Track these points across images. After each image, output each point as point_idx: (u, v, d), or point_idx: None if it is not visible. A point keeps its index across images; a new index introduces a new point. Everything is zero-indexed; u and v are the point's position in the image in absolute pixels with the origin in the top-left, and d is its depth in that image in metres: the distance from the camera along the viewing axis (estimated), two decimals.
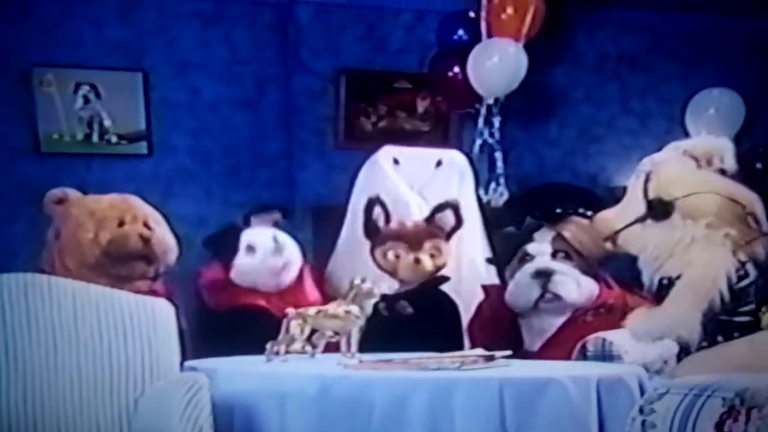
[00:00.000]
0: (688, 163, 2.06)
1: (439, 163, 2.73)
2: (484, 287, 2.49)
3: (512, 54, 3.11)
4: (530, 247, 2.37)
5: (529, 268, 2.35)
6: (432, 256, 2.45)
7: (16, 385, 1.96)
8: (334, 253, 2.67)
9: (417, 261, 2.44)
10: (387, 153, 2.73)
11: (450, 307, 2.45)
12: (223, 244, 2.46)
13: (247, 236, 2.47)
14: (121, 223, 2.43)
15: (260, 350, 2.01)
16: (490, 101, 3.17)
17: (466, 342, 2.40)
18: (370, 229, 2.50)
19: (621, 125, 3.50)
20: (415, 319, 2.38)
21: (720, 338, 1.93)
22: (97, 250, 2.38)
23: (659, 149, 2.18)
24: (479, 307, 2.46)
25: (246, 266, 2.43)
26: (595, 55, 3.50)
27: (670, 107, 3.46)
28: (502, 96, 3.16)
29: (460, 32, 3.21)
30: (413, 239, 2.46)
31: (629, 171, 3.47)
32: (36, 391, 1.96)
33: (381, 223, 2.50)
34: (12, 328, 1.98)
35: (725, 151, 2.07)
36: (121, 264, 2.39)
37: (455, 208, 2.49)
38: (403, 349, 2.02)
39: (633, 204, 2.06)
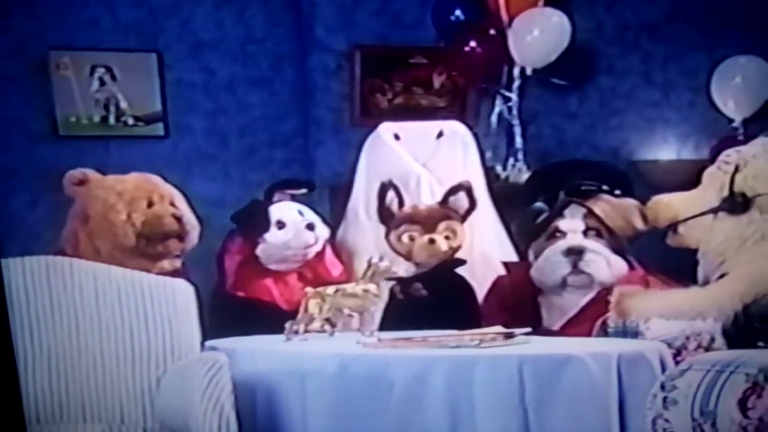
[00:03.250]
0: None
1: (440, 135, 2.71)
2: (505, 264, 2.48)
3: (555, 23, 3.04)
4: (562, 224, 2.33)
5: (561, 245, 2.31)
6: (447, 237, 2.44)
7: (41, 367, 1.99)
8: (339, 232, 2.66)
9: (431, 242, 2.43)
10: (387, 129, 2.71)
11: (465, 289, 2.44)
12: (253, 220, 2.47)
13: (276, 212, 2.48)
14: (150, 204, 2.45)
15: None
16: (528, 71, 3.08)
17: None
18: (384, 214, 2.50)
19: (643, 97, 3.43)
20: (430, 302, 2.37)
21: (761, 342, 1.88)
22: (131, 232, 2.41)
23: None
24: (495, 284, 2.45)
25: (278, 241, 2.44)
26: (614, 25, 3.42)
27: (694, 78, 3.37)
28: (540, 66, 3.08)
29: (457, 12, 3.14)
30: (427, 221, 2.45)
31: (651, 144, 3.44)
32: (60, 372, 1.99)
33: (394, 207, 2.49)
34: (35, 310, 2.01)
35: None
36: (156, 243, 2.42)
37: (468, 190, 2.47)
38: (421, 330, 2.02)
39: (707, 193, 2.00)
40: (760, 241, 1.93)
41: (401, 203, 2.50)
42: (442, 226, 2.45)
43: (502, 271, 2.47)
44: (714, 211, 1.97)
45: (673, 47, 3.42)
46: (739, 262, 1.93)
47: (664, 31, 3.42)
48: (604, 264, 2.30)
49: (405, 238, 2.47)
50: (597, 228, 2.33)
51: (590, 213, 2.33)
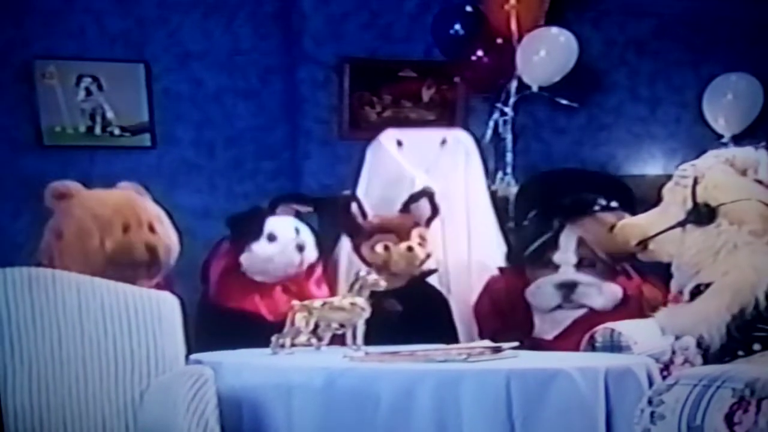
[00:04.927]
0: (729, 171, 2.02)
1: (443, 142, 2.71)
2: (501, 270, 2.48)
3: (563, 43, 3.06)
4: (555, 257, 2.37)
5: (554, 278, 2.36)
6: (420, 244, 2.44)
7: (22, 379, 1.96)
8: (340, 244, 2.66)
9: (410, 249, 2.41)
10: (390, 136, 2.72)
11: (440, 301, 2.43)
12: (247, 227, 2.43)
13: (270, 225, 2.46)
14: (126, 228, 2.40)
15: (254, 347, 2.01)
16: (534, 88, 3.10)
17: (460, 333, 2.40)
18: (350, 227, 2.47)
19: (630, 113, 3.46)
20: (406, 315, 2.36)
21: (740, 351, 1.90)
22: (101, 258, 2.37)
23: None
24: (488, 285, 2.45)
25: (263, 254, 2.42)
26: (601, 41, 3.45)
27: (681, 94, 3.41)
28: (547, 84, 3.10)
29: (457, 27, 3.15)
30: (401, 229, 2.44)
31: (638, 159, 3.47)
32: (41, 385, 1.96)
33: (359, 218, 2.47)
34: (17, 322, 1.99)
35: (760, 164, 2.03)
36: (125, 269, 2.37)
37: (431, 196, 2.48)
38: (396, 344, 2.01)
39: (671, 208, 2.02)
40: (733, 251, 1.94)
41: (364, 214, 2.47)
42: (414, 233, 2.44)
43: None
44: (682, 224, 1.99)
45: (660, 64, 3.46)
46: (716, 275, 1.94)
47: (650, 47, 3.46)
48: (597, 293, 2.35)
49: (379, 248, 2.45)
50: (590, 257, 2.36)
51: (582, 241, 2.35)
